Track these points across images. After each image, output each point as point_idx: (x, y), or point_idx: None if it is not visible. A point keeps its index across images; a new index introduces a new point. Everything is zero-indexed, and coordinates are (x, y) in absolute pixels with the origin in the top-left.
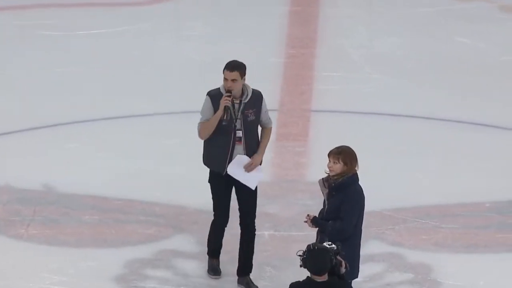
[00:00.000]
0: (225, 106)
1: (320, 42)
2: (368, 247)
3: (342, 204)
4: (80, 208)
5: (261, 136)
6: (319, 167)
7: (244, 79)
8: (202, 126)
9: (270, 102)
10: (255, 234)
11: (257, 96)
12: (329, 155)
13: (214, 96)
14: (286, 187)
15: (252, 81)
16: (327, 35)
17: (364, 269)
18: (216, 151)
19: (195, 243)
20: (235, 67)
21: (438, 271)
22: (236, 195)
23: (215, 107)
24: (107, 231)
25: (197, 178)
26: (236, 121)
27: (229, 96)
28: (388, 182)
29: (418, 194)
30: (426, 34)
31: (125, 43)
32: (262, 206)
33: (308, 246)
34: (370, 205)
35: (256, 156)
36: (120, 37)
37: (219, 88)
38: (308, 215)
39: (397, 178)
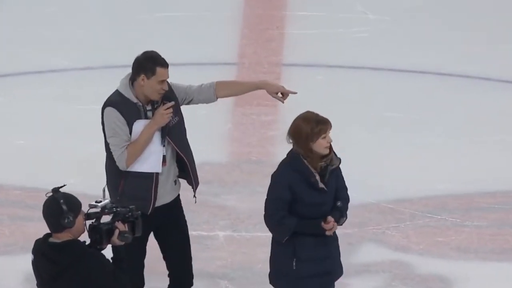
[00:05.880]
0: None
1: None
2: (362, 252)
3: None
4: None
5: (230, 89)
6: None
7: None
8: (131, 149)
9: (227, 52)
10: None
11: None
12: (327, 124)
13: (120, 104)
14: (248, 170)
15: (202, 25)
16: None
17: (357, 282)
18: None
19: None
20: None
21: (459, 285)
22: (160, 241)
23: (129, 120)
24: (0, 232)
25: None
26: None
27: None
28: (388, 163)
29: (430, 180)
30: None
31: None
32: (216, 197)
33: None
34: (365, 196)
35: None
36: None
37: (118, 92)
38: (328, 218)
39: (400, 158)
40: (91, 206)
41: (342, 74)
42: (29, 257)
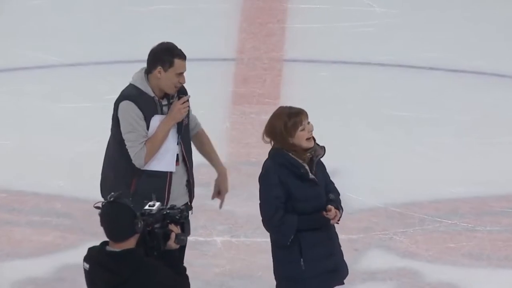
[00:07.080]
0: None
1: None
2: (369, 259)
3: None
4: None
5: (202, 145)
6: None
7: None
8: (150, 146)
9: (225, 47)
10: None
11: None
12: (299, 115)
13: (137, 98)
14: (247, 172)
15: (198, 18)
16: None
17: None
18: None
19: None
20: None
21: None
22: None
23: (147, 114)
24: None
25: None
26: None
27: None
28: (395, 165)
29: (440, 183)
30: None
31: None
32: (214, 201)
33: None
34: (371, 199)
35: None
36: None
37: (133, 85)
38: (328, 207)
39: (409, 159)
40: (147, 212)
41: (347, 70)
42: (17, 264)
